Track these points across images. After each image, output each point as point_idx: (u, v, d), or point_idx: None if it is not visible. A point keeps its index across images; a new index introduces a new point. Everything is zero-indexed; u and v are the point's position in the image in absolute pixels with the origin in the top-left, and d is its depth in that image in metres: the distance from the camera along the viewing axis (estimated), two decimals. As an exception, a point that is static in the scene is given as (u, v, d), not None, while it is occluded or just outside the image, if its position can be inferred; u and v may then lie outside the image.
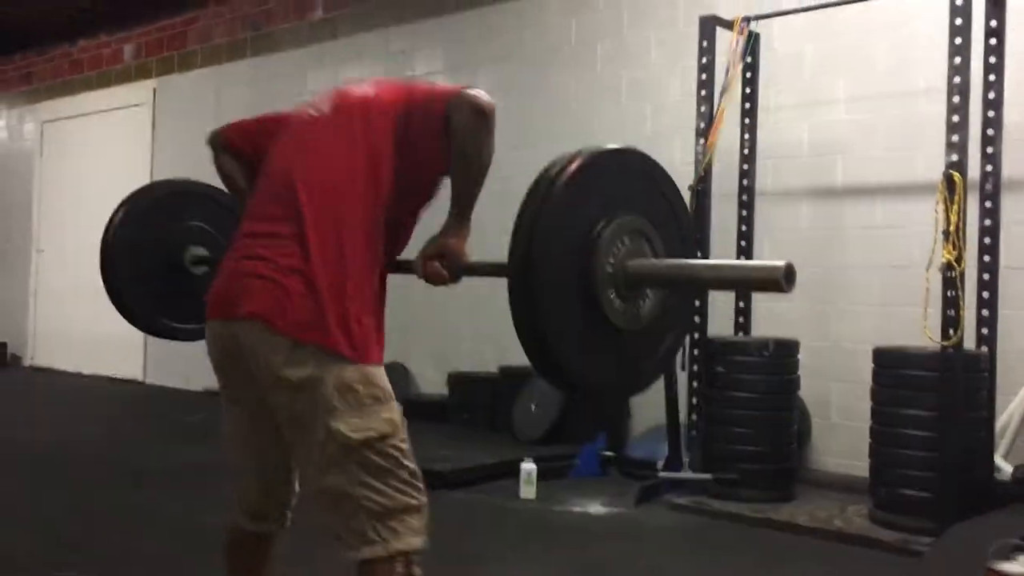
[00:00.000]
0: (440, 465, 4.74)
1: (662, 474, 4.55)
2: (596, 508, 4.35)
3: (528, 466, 4.52)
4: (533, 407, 5.54)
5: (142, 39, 8.94)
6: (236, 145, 2.31)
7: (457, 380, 6.20)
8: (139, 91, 8.92)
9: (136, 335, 8.69)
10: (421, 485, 1.96)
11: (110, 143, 9.36)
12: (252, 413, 2.03)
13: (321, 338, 1.86)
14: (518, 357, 6.47)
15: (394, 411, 1.96)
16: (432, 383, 6.56)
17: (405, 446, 1.95)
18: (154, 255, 2.85)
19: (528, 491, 4.47)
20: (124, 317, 2.84)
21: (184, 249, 2.87)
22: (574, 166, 2.01)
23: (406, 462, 1.94)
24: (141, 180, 8.60)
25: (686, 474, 4.54)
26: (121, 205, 2.98)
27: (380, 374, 1.96)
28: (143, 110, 8.88)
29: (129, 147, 9.00)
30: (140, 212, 2.94)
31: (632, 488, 4.50)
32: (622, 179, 2.14)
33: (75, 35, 9.37)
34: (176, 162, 8.51)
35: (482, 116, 1.99)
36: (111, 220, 2.93)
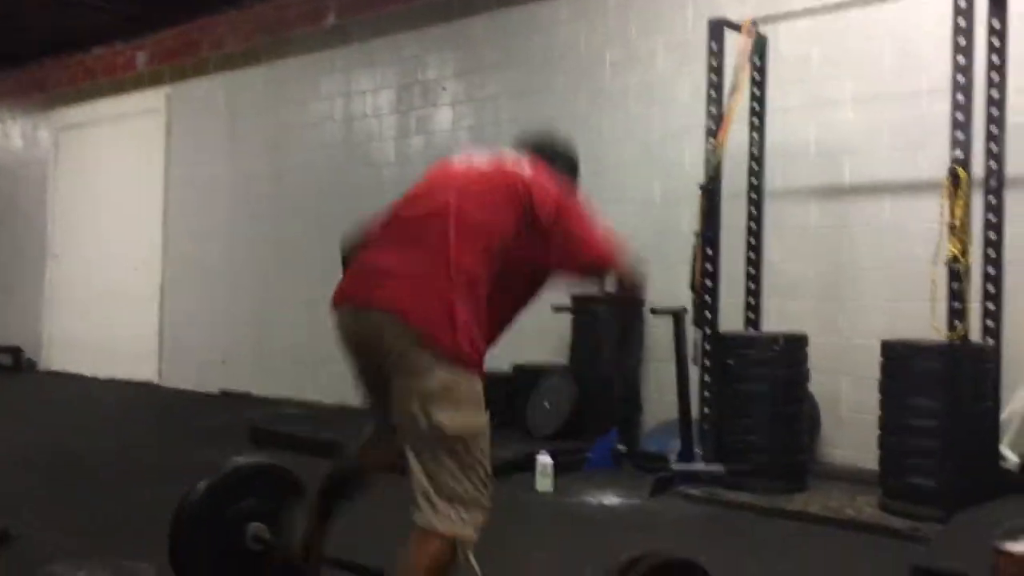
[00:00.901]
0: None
1: (675, 466, 4.64)
2: (611, 500, 4.45)
3: (544, 459, 4.62)
4: (547, 404, 5.64)
5: (156, 46, 9.07)
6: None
7: (471, 379, 6.29)
8: (152, 98, 9.05)
9: (151, 338, 8.90)
10: (490, 491, 2.26)
11: (124, 150, 9.49)
12: (373, 383, 2.45)
13: (440, 342, 2.23)
14: (531, 355, 6.65)
15: (484, 417, 2.29)
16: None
17: (487, 451, 2.26)
18: (217, 534, 2.73)
19: (544, 483, 4.57)
20: None
21: (244, 527, 2.75)
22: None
23: (485, 464, 2.25)
24: (155, 187, 8.90)
25: (699, 466, 4.63)
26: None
27: (479, 385, 2.29)
28: (156, 117, 9.00)
29: (142, 154, 9.13)
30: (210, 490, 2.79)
31: (646, 480, 4.60)
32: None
33: (89, 43, 9.49)
34: (190, 169, 8.67)
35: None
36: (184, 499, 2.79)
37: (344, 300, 2.45)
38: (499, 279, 2.38)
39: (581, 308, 5.74)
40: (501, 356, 6.09)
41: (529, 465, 4.68)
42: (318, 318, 7.48)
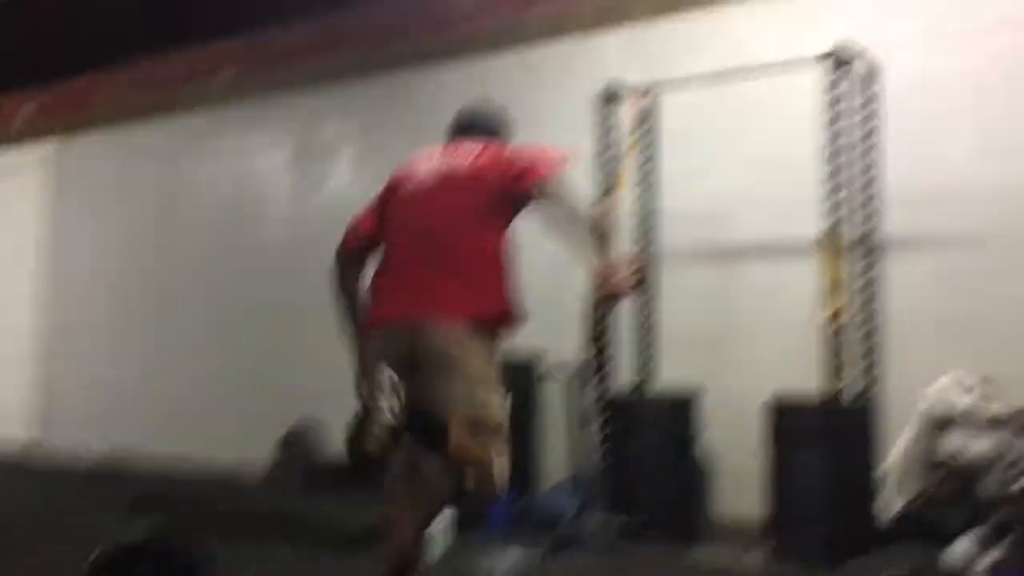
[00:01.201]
0: (352, 525, 4.75)
1: (571, 524, 4.65)
2: (508, 560, 4.41)
3: (440, 519, 4.55)
4: (443, 464, 5.58)
5: (45, 99, 8.80)
6: (362, 246, 3.12)
7: (367, 439, 6.18)
8: (38, 152, 8.75)
9: (29, 399, 8.47)
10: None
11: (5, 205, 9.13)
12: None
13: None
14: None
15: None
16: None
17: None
18: None
19: (441, 544, 4.51)
20: None
21: None
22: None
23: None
24: (37, 242, 8.55)
25: (594, 523, 4.65)
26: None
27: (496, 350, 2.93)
28: (44, 170, 8.70)
29: (23, 211, 8.80)
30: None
31: (543, 539, 4.58)
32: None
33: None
34: (78, 224, 8.39)
35: (565, 204, 2.86)
36: None
37: (383, 322, 2.91)
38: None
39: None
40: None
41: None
42: (206, 374, 7.40)
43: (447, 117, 6.59)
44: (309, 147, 7.17)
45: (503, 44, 6.22)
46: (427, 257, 2.87)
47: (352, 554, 4.45)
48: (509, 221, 2.97)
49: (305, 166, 7.19)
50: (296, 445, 6.73)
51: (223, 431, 7.08)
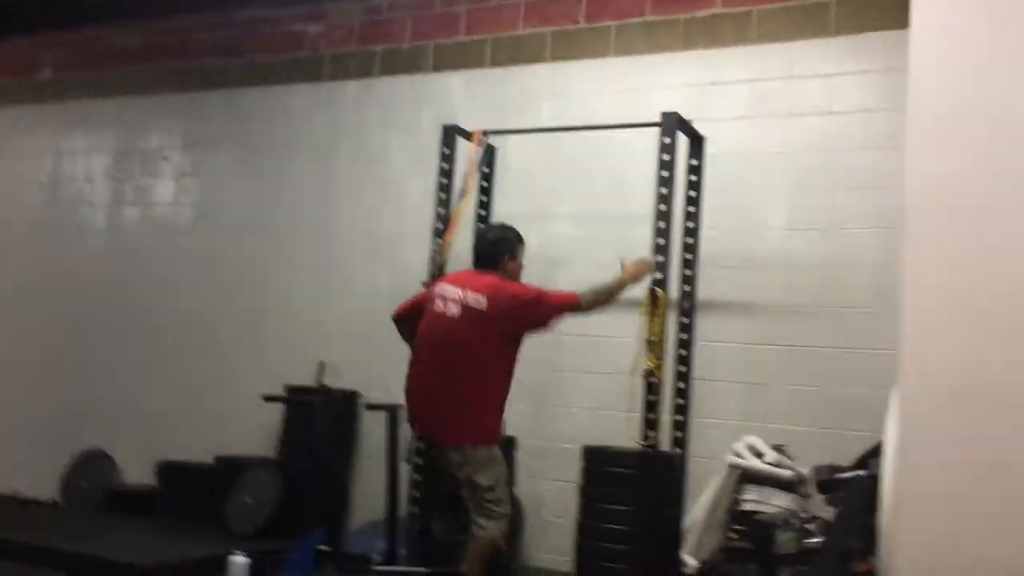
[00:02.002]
0: (142, 560, 4.42)
1: (376, 568, 4.52)
2: (308, 604, 4.23)
3: (239, 560, 4.32)
4: (249, 500, 5.32)
5: None
6: (407, 315, 4.36)
7: (166, 469, 5.83)
8: None
9: None
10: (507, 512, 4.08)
11: None
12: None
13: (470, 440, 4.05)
14: (236, 447, 6.29)
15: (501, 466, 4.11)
16: (141, 472, 6.13)
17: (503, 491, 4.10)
18: None
19: (239, 587, 4.27)
20: None
21: None
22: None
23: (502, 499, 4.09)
24: None
25: (400, 569, 4.54)
26: None
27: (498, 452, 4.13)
28: None
29: None
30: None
31: (347, 583, 4.43)
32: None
33: None
34: None
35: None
36: None
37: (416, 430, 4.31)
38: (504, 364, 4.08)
39: (295, 399, 5.54)
40: (203, 446, 5.83)
41: (222, 567, 4.36)
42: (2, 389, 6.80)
43: (280, 138, 6.48)
44: (130, 155, 6.79)
45: (348, 73, 6.13)
46: (447, 376, 4.02)
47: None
48: (519, 343, 4.12)
49: (125, 175, 6.80)
50: (87, 471, 6.26)
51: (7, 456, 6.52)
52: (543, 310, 4.05)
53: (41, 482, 6.31)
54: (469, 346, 3.97)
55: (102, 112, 6.91)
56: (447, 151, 4.97)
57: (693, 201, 4.79)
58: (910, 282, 3.12)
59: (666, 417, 4.42)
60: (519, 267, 4.32)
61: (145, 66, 6.81)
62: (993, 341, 2.86)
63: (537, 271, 5.33)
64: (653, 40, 5.27)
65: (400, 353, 4.97)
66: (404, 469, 4.73)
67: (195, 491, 5.63)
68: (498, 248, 4.26)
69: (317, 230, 6.07)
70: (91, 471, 6.26)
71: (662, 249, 4.31)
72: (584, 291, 4.11)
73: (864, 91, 4.79)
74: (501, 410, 4.13)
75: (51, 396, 6.64)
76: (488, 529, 3.97)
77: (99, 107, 6.93)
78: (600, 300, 4.13)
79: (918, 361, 3.07)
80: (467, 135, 4.99)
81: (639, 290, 4.35)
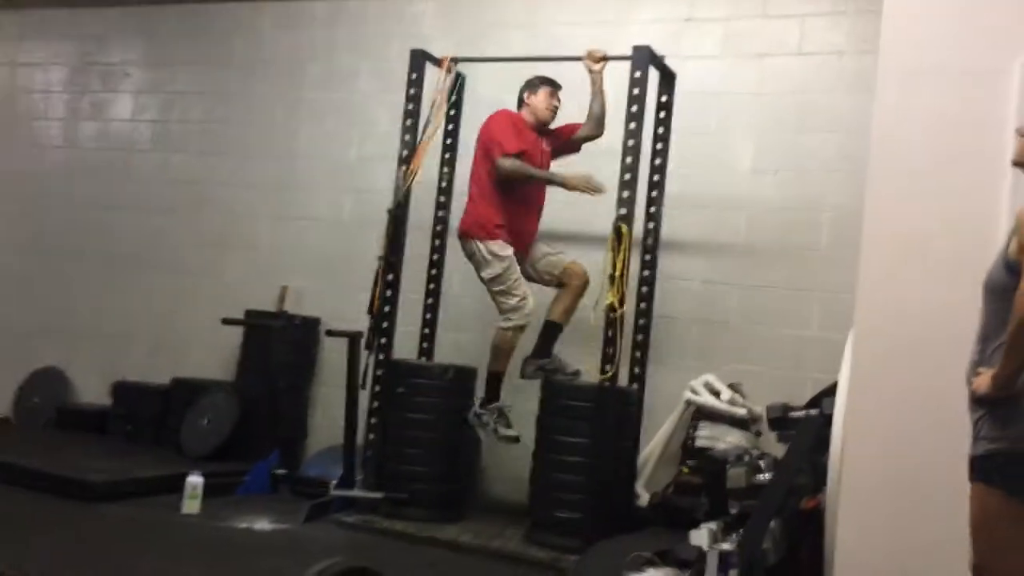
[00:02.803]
0: (94, 476, 4.42)
1: (333, 492, 4.55)
2: (263, 525, 4.26)
3: (194, 479, 4.33)
4: (205, 422, 5.31)
5: None
6: None
7: (122, 389, 5.79)
8: None
9: None
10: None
11: None
12: None
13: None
14: (195, 370, 6.23)
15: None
16: (95, 392, 6.08)
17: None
18: None
19: (192, 505, 4.28)
20: None
21: None
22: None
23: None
24: None
25: (356, 492, 4.57)
26: None
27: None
28: None
29: None
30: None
31: (303, 506, 4.45)
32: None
33: None
34: None
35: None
36: None
37: None
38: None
39: (254, 323, 5.50)
40: (160, 368, 5.79)
41: (178, 486, 4.37)
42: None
43: (245, 57, 6.30)
44: (88, 70, 6.59)
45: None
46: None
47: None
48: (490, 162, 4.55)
49: (82, 89, 6.60)
50: (40, 389, 6.21)
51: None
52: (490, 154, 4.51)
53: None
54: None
55: (59, 22, 6.68)
56: (415, 76, 4.88)
57: (661, 138, 4.77)
58: (869, 225, 3.15)
59: (626, 353, 4.45)
60: (539, 103, 4.62)
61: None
62: (948, 286, 2.91)
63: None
64: (629, -28, 5.18)
65: (362, 281, 4.96)
66: (363, 396, 4.73)
67: (150, 412, 5.61)
68: (521, 91, 4.67)
69: (281, 153, 5.96)
70: (45, 389, 6.20)
71: (628, 184, 4.29)
72: (518, 164, 4.44)
73: (837, 32, 4.77)
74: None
75: (5, 313, 6.52)
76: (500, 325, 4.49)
77: (56, 17, 6.69)
78: (518, 174, 4.45)
79: (874, 304, 3.12)
80: (436, 61, 4.90)
81: (605, 227, 4.34)
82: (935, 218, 3.03)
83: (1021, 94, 2.95)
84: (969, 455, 2.25)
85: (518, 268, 4.49)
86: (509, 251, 4.48)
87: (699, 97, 4.91)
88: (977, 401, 2.25)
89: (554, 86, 4.64)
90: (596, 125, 4.60)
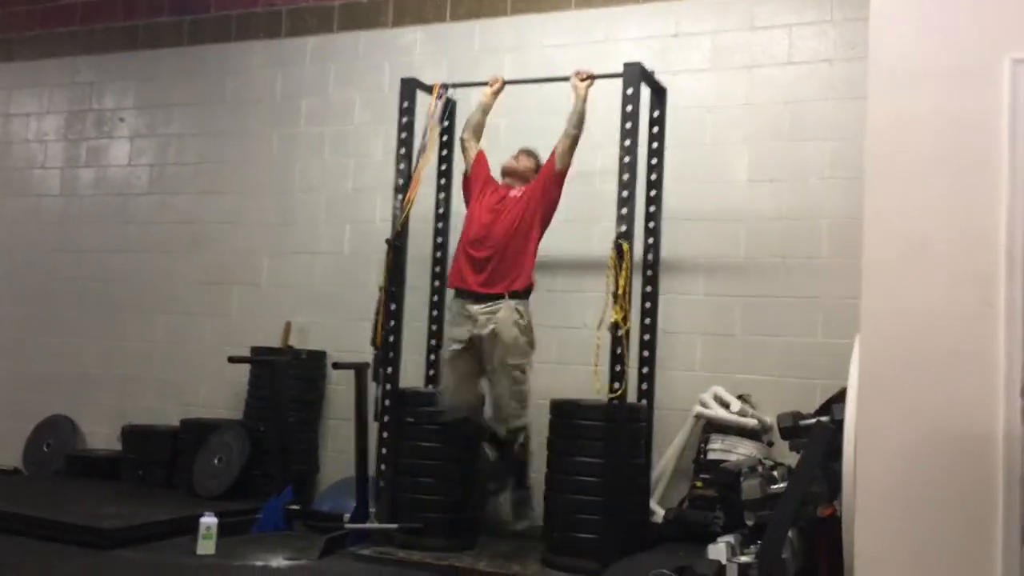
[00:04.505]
0: (107, 523, 4.40)
1: (347, 525, 4.53)
2: (279, 562, 4.24)
3: (208, 520, 4.31)
4: (217, 461, 5.29)
5: None
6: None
7: (131, 434, 5.78)
8: None
9: None
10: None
11: None
12: None
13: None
14: (202, 410, 6.22)
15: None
16: (105, 438, 6.07)
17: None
18: None
19: (206, 546, 4.26)
20: None
21: None
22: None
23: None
24: None
25: (371, 524, 4.56)
26: None
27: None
28: None
29: None
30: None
31: (318, 541, 4.44)
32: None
33: None
34: None
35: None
36: None
37: None
38: None
39: (260, 360, 5.50)
40: (169, 410, 5.79)
41: (192, 527, 4.35)
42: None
43: (238, 97, 6.35)
44: (83, 116, 6.63)
45: (306, 29, 6.01)
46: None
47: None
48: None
49: (78, 136, 6.64)
50: (49, 438, 6.20)
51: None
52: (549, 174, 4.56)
53: (3, 450, 6.25)
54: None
55: (52, 72, 6.73)
56: (407, 105, 4.91)
57: (656, 153, 4.79)
58: (870, 230, 3.15)
59: (632, 370, 4.44)
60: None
61: (95, 24, 6.62)
62: (952, 288, 2.91)
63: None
64: (614, -9, 5.22)
65: (364, 313, 4.96)
66: (372, 428, 4.72)
67: (160, 454, 5.59)
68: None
69: (278, 189, 5.98)
70: (54, 437, 6.19)
71: (626, 201, 4.30)
72: (565, 143, 4.46)
73: (825, 40, 4.79)
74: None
75: (9, 365, 6.53)
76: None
77: (49, 67, 6.74)
78: (569, 147, 4.45)
79: (878, 308, 3.11)
80: (427, 88, 4.93)
81: (604, 248, 4.35)
82: (935, 219, 3.03)
83: (1012, 90, 2.96)
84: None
85: None
86: None
87: (691, 111, 4.94)
88: None
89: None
90: (575, 124, 4.43)
